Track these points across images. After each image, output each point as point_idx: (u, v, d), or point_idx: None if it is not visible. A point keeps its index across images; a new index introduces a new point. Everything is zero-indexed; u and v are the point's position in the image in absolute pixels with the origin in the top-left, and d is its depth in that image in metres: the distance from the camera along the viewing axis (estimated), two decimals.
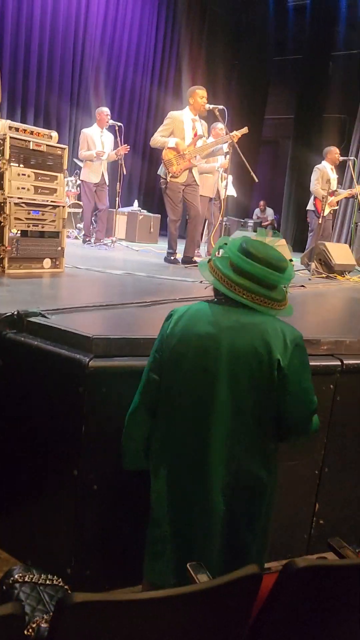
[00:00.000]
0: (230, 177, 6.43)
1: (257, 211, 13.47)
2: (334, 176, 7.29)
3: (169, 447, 1.75)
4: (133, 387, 1.87)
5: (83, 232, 7.62)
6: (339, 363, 2.42)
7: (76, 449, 2.09)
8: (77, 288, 3.80)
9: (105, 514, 2.15)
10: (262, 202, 13.39)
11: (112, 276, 4.33)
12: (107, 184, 7.14)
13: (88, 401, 2.05)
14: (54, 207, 3.98)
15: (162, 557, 1.78)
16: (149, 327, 2.40)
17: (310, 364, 2.37)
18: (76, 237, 8.14)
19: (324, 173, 7.16)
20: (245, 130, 5.48)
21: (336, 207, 7.59)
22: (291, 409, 1.68)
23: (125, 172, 7.06)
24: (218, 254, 1.75)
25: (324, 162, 7.27)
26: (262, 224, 13.12)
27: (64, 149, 4.08)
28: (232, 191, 7.23)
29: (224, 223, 7.50)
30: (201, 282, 3.95)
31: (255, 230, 10.77)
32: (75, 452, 2.10)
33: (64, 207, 4.06)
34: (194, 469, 1.70)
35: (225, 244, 1.75)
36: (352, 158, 7.81)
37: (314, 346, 2.49)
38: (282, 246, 1.95)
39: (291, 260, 1.78)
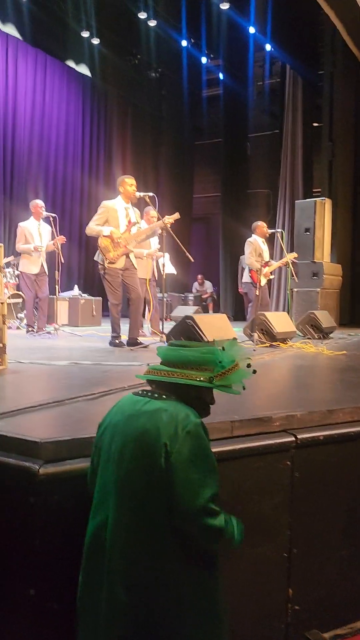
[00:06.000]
0: (167, 255, 6.58)
1: (195, 285, 13.81)
2: (265, 247, 7.62)
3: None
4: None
5: (25, 322, 7.54)
6: (293, 439, 2.42)
7: (31, 565, 1.95)
8: (21, 386, 3.68)
9: (68, 637, 1.98)
10: (199, 276, 13.77)
11: (57, 368, 4.24)
12: (47, 272, 7.19)
13: (41, 512, 1.94)
14: None
15: None
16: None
17: (264, 442, 2.38)
18: (18, 328, 8.04)
19: (256, 246, 7.46)
20: (176, 216, 5.74)
21: (271, 277, 7.88)
22: (177, 500, 1.58)
23: (63, 261, 7.14)
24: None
25: (254, 236, 7.58)
26: (202, 296, 13.43)
27: None
28: (171, 269, 7.40)
29: (165, 300, 7.63)
30: (148, 364, 3.93)
31: (196, 304, 10.93)
32: (30, 569, 1.95)
33: (2, 303, 4.01)
34: (100, 563, 1.67)
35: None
36: (279, 230, 8.20)
37: (266, 424, 2.49)
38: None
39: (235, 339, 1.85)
